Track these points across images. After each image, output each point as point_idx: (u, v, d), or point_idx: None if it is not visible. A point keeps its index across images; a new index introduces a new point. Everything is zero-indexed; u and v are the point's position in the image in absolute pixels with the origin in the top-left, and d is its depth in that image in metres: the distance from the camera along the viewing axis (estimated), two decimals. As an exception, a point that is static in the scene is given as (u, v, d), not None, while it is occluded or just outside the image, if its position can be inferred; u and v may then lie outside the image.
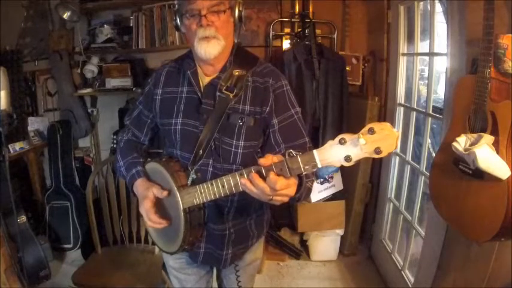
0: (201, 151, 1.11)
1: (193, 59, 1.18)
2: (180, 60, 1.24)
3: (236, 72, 1.13)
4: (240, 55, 1.18)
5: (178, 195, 1.09)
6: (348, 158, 0.76)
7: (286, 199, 0.91)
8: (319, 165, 0.80)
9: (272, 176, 0.84)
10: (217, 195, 1.00)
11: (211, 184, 1.00)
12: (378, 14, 2.61)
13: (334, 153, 0.78)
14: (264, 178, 0.86)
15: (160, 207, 1.16)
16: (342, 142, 0.76)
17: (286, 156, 0.83)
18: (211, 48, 1.07)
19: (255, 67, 1.16)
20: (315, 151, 0.80)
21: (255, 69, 1.16)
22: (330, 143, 0.78)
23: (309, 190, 1.05)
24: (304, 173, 0.83)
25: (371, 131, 0.74)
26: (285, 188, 0.85)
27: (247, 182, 0.88)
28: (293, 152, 0.83)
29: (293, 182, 0.87)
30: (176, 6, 1.13)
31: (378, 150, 0.74)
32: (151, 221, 1.12)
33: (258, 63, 1.18)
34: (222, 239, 1.22)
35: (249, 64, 1.16)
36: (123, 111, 2.91)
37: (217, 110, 1.11)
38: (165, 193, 1.11)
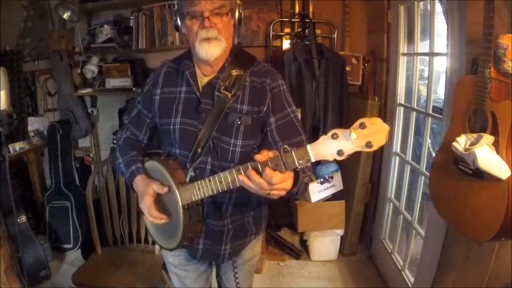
0: (199, 149, 1.13)
1: (191, 59, 1.20)
2: (178, 60, 1.25)
3: (234, 72, 1.15)
4: (237, 56, 1.19)
5: (177, 192, 1.11)
6: (340, 152, 0.79)
7: (283, 193, 0.94)
8: (313, 159, 0.83)
9: (268, 171, 0.87)
10: (215, 191, 1.02)
11: (209, 180, 1.03)
12: (378, 14, 2.61)
13: (327, 147, 0.81)
14: (260, 174, 0.89)
15: (159, 204, 1.17)
16: (334, 137, 0.79)
17: (281, 152, 0.86)
18: (213, 49, 1.08)
19: (253, 67, 1.18)
20: (308, 146, 0.83)
21: (253, 69, 1.18)
22: (323, 137, 0.81)
23: (306, 186, 1.07)
24: (299, 167, 0.86)
25: (362, 126, 0.77)
26: (281, 182, 0.88)
27: (245, 179, 0.91)
28: (287, 147, 0.85)
29: (289, 175, 0.90)
30: (176, 6, 1.14)
31: (369, 144, 0.77)
32: (152, 216, 1.14)
33: (255, 63, 1.19)
34: (221, 235, 1.23)
35: (247, 64, 1.18)
36: (123, 111, 2.91)
37: (215, 109, 1.13)
38: (165, 189, 1.13)
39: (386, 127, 0.78)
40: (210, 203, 1.19)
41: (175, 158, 1.20)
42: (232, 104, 1.13)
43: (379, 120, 0.78)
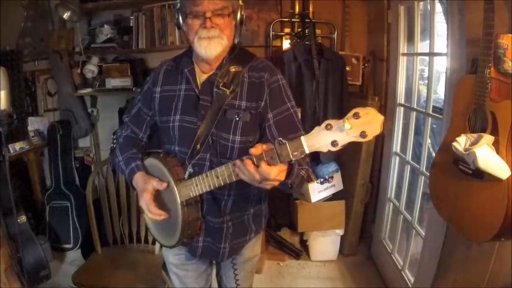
0: (198, 146, 1.14)
1: (190, 58, 1.21)
2: (178, 58, 1.26)
3: (233, 69, 1.16)
4: (236, 53, 1.20)
5: (176, 189, 1.12)
6: (334, 143, 0.79)
7: (276, 183, 0.95)
8: (307, 151, 0.83)
9: (264, 166, 0.88)
10: (212, 186, 1.04)
11: (206, 176, 1.04)
12: (378, 14, 2.61)
13: (321, 138, 0.81)
14: (256, 166, 0.90)
15: (159, 201, 1.18)
16: (328, 128, 0.79)
17: (276, 144, 0.87)
18: (213, 48, 1.10)
19: (251, 62, 1.19)
20: (302, 137, 0.83)
21: (251, 65, 1.19)
22: (317, 129, 0.82)
23: (302, 180, 1.08)
24: (293, 159, 0.87)
25: (356, 116, 0.77)
26: (277, 175, 0.90)
27: (240, 165, 0.93)
28: (282, 140, 0.86)
29: (283, 168, 0.92)
30: (178, 4, 1.14)
31: (363, 134, 0.77)
32: (152, 212, 1.15)
33: (253, 59, 1.20)
34: (220, 232, 1.24)
35: (245, 60, 1.19)
36: (123, 111, 2.90)
37: (214, 106, 1.14)
38: (164, 185, 1.14)
39: (380, 117, 0.77)
40: (209, 200, 1.20)
41: (174, 155, 1.21)
42: (231, 101, 1.14)
43: (373, 109, 0.77)
